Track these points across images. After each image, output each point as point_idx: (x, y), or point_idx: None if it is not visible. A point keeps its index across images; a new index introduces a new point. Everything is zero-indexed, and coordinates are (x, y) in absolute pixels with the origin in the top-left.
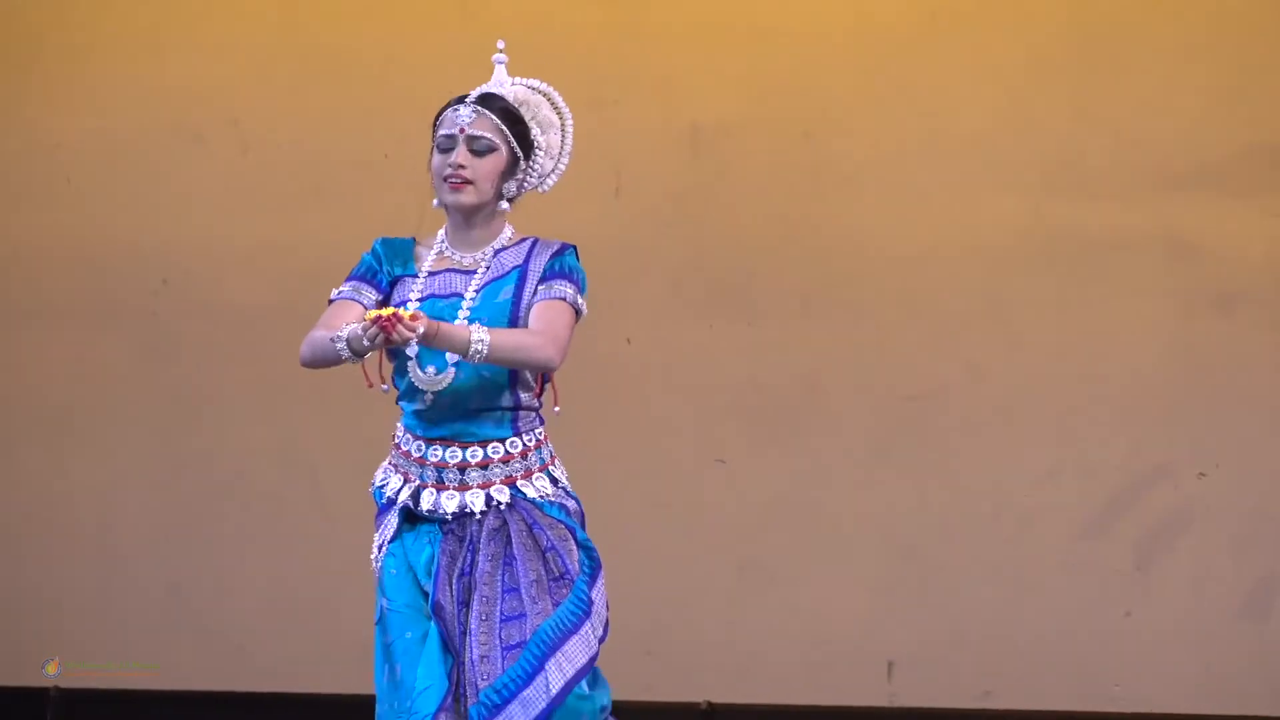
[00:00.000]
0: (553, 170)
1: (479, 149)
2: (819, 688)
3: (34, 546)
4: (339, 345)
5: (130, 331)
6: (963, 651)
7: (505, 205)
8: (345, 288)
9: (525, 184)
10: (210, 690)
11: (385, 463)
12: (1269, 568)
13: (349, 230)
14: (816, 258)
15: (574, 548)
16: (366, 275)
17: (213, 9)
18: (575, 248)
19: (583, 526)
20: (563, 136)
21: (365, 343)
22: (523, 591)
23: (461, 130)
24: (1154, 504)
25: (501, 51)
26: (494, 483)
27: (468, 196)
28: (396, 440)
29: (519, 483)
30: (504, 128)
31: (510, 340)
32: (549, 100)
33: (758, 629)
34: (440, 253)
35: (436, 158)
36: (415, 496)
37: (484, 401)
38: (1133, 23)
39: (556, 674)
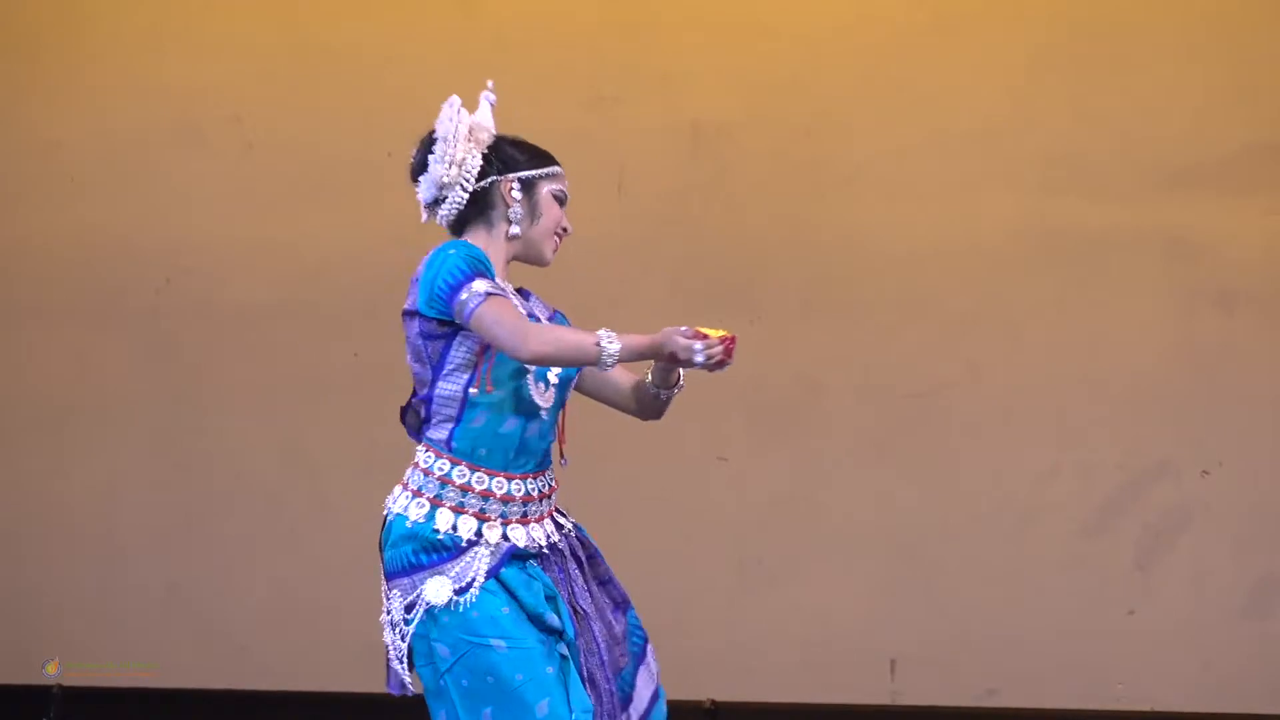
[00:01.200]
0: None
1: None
2: (822, 686)
3: (35, 546)
4: (607, 354)
5: (132, 330)
6: (965, 650)
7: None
8: (489, 283)
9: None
10: (211, 689)
11: (422, 500)
12: (1270, 566)
13: (352, 229)
14: (817, 256)
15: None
16: (492, 277)
17: (214, 7)
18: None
19: None
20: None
21: (698, 359)
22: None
23: (568, 197)
24: (1155, 502)
25: (490, 90)
26: (551, 511)
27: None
28: (447, 476)
29: (560, 515)
30: None
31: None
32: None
33: (760, 627)
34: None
35: (556, 210)
36: (504, 535)
37: (551, 433)
38: (1133, 22)
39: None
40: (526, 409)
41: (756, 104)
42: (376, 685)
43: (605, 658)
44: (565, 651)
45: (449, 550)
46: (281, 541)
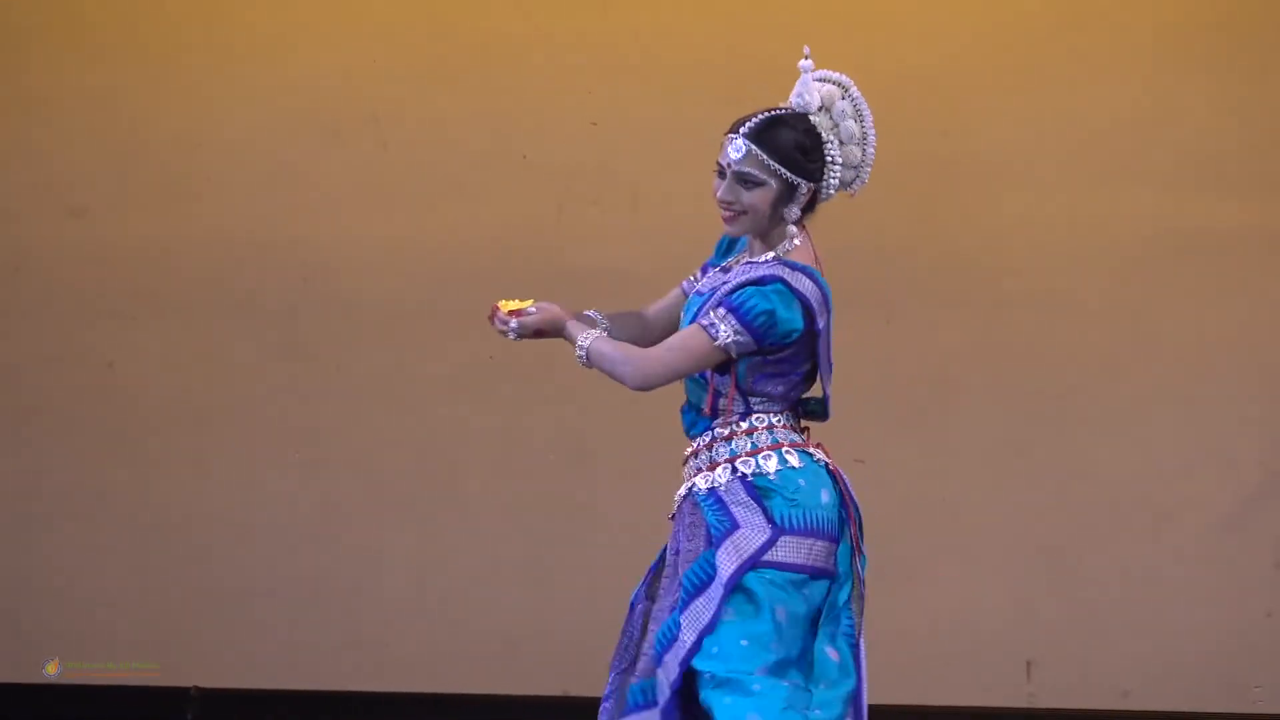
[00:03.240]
0: (855, 179)
1: (745, 182)
2: (957, 687)
3: (174, 545)
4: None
5: (270, 330)
6: (1102, 651)
7: (793, 230)
8: (693, 274)
9: (823, 196)
10: (348, 690)
11: None
12: None
13: (486, 228)
14: (952, 255)
15: (704, 544)
16: (704, 264)
17: (350, 7)
18: (780, 282)
19: (767, 517)
20: (864, 147)
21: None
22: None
23: (729, 166)
24: None
25: (808, 58)
26: (689, 478)
27: (737, 226)
28: None
29: (699, 477)
30: (772, 163)
31: (606, 351)
32: (854, 106)
33: (896, 628)
34: (738, 255)
35: (715, 179)
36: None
37: (695, 398)
38: (1271, 17)
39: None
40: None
41: (890, 102)
42: (513, 686)
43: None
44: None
45: None
46: (418, 541)
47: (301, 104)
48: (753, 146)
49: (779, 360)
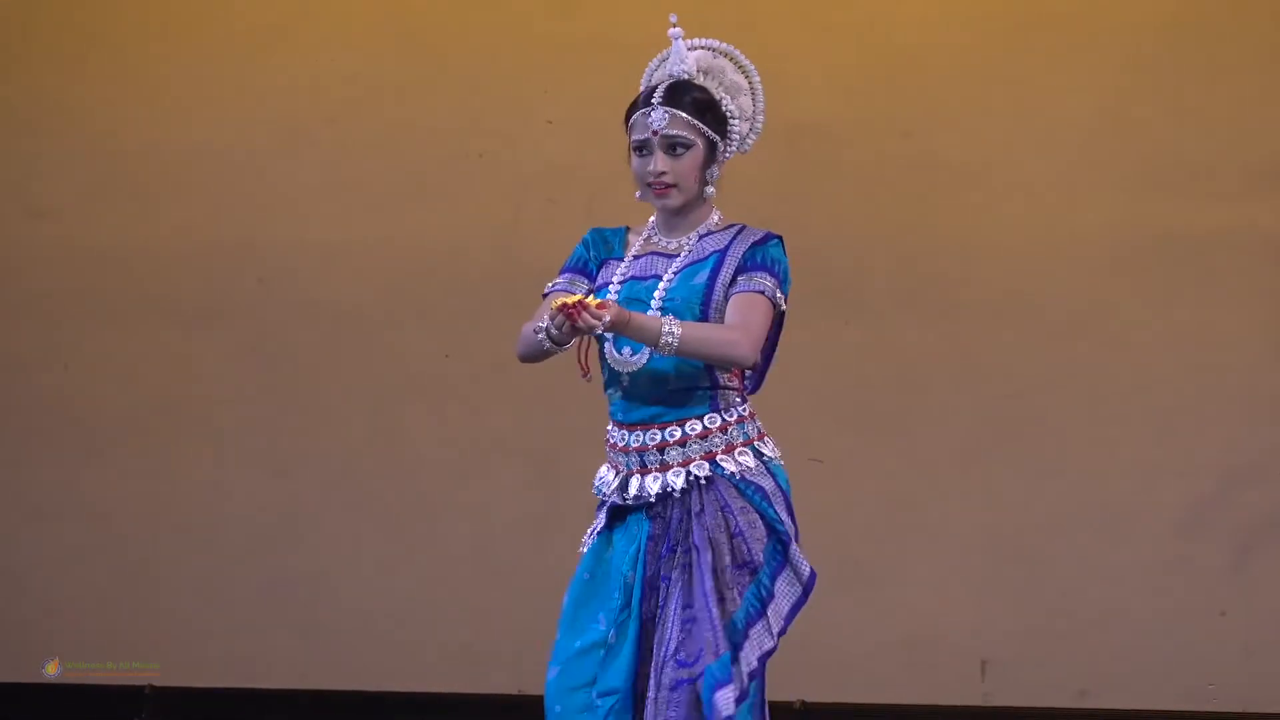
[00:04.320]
0: (750, 132)
1: (676, 150)
2: (913, 686)
3: (138, 545)
4: (540, 336)
5: (229, 331)
6: (1057, 650)
7: (711, 191)
8: (560, 280)
9: (725, 156)
10: (311, 689)
11: (605, 463)
12: None
13: (444, 228)
14: (917, 257)
15: (763, 534)
16: (578, 266)
17: (309, 11)
18: (781, 239)
19: (785, 505)
20: (753, 97)
21: (554, 331)
22: (706, 598)
23: (655, 133)
24: (1252, 504)
25: (676, 26)
26: (694, 459)
27: (674, 199)
28: (608, 434)
29: (719, 458)
30: (696, 121)
31: (702, 334)
32: (732, 61)
33: (852, 627)
34: (648, 238)
35: (635, 161)
36: (624, 486)
37: (682, 382)
38: (1238, 22)
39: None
40: (613, 372)
41: (853, 103)
42: (475, 685)
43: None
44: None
45: (598, 506)
46: (379, 541)
47: (260, 106)
48: (674, 110)
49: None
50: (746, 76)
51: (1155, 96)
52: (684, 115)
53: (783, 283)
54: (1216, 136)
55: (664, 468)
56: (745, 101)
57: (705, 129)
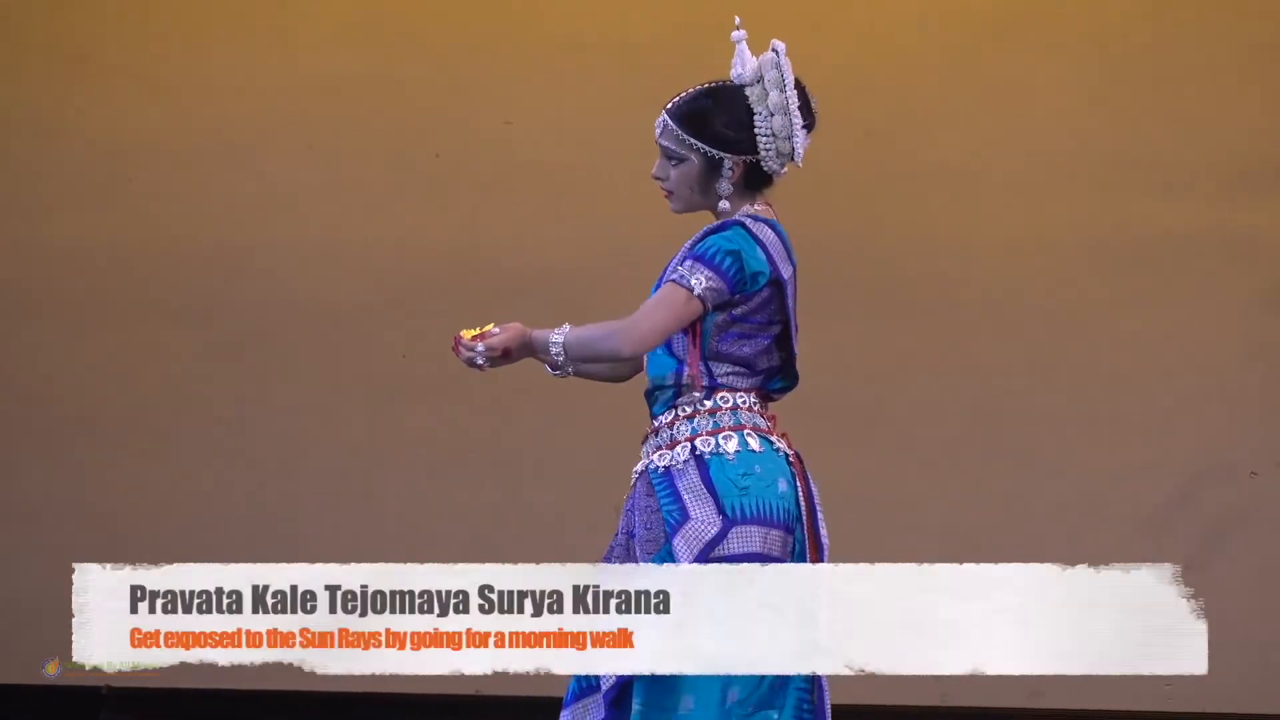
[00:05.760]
0: (791, 151)
1: (671, 159)
2: (871, 687)
3: (105, 546)
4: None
5: (193, 332)
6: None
7: (725, 205)
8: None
9: (767, 169)
10: (275, 690)
11: None
12: None
13: (402, 228)
14: (885, 257)
15: (659, 538)
16: None
17: (270, 8)
18: (740, 225)
19: (708, 503)
20: (789, 117)
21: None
22: None
23: (657, 140)
24: (1214, 502)
25: (740, 29)
26: (646, 456)
27: (674, 205)
28: None
29: (657, 454)
30: (687, 137)
31: (587, 334)
32: (779, 74)
33: None
34: None
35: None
36: None
37: (658, 380)
38: (1207, 23)
39: None
40: None
41: (825, 102)
42: (424, 685)
43: None
44: None
45: None
46: (346, 540)
47: (221, 106)
48: (669, 122)
49: (746, 318)
50: (783, 93)
51: (1131, 98)
52: (674, 128)
53: (711, 263)
54: (1193, 138)
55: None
56: (780, 121)
57: (699, 145)
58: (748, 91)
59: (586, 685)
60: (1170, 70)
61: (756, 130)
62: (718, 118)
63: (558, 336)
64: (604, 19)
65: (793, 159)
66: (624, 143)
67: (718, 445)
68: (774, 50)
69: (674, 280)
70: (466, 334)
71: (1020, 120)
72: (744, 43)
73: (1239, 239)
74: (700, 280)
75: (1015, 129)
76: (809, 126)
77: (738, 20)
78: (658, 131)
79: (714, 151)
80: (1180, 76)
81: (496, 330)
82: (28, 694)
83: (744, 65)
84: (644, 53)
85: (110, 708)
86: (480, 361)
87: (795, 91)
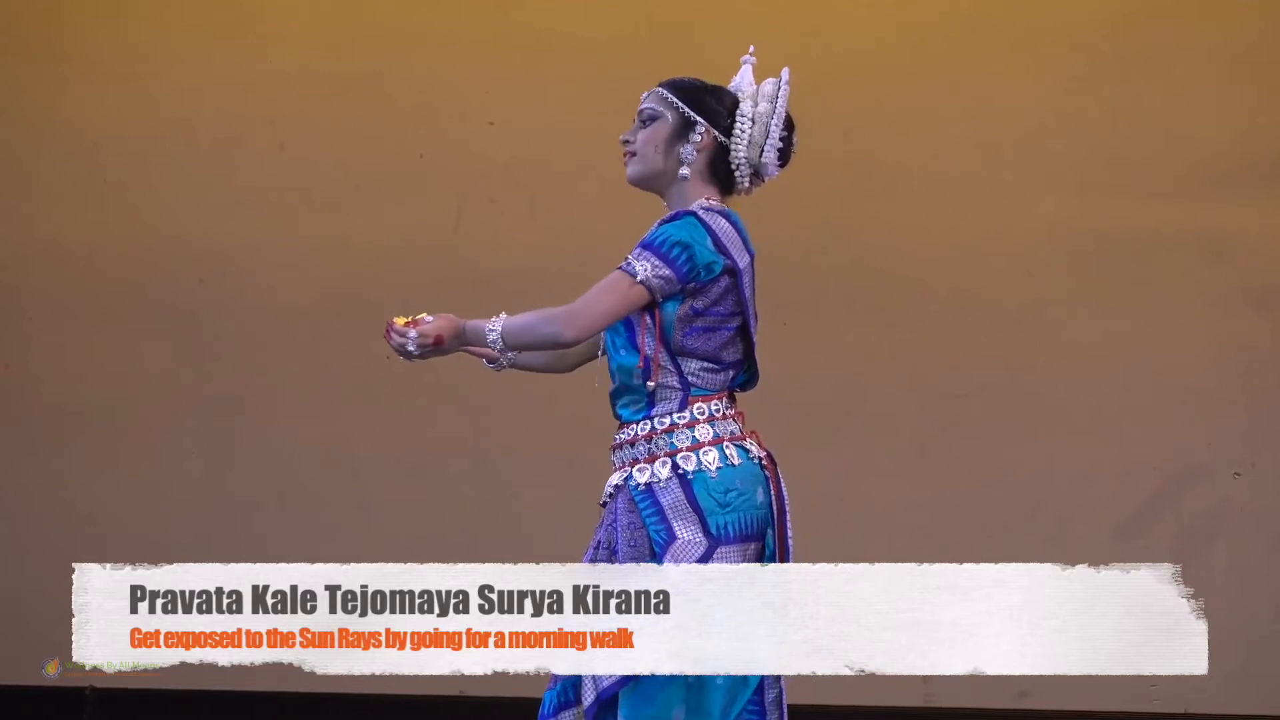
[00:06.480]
0: (758, 165)
1: (644, 119)
2: (856, 688)
3: (77, 547)
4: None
5: (169, 332)
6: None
7: (685, 173)
8: None
9: (734, 159)
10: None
11: None
12: None
13: (385, 229)
14: (857, 258)
15: (645, 554)
16: None
17: (249, 10)
18: (692, 215)
19: (693, 521)
20: (767, 135)
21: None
22: None
23: (640, 108)
24: (1192, 503)
25: (752, 55)
26: (622, 466)
27: (631, 167)
28: None
29: (636, 468)
30: (670, 96)
31: (526, 320)
32: (775, 89)
33: None
34: None
35: None
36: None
37: (623, 381)
38: (1176, 24)
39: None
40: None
41: (792, 102)
42: (409, 687)
43: None
44: None
45: None
46: (322, 542)
47: (198, 106)
48: (658, 88)
49: (709, 310)
50: (773, 105)
51: (1096, 97)
52: (660, 90)
53: (657, 251)
54: (1157, 137)
55: (613, 470)
56: (759, 133)
57: (678, 103)
58: (741, 96)
59: (564, 701)
60: (1144, 71)
61: (737, 120)
62: (706, 95)
63: (495, 323)
64: (587, 21)
65: (758, 175)
66: (607, 145)
67: (699, 462)
68: (781, 76)
69: (620, 267)
70: (399, 321)
71: (994, 121)
72: (750, 65)
73: (1215, 239)
74: (645, 267)
75: (978, 130)
76: (783, 162)
77: (751, 49)
78: (642, 100)
79: (691, 113)
80: (1154, 77)
81: (429, 319)
82: (28, 694)
83: (744, 80)
84: (628, 55)
85: (94, 708)
86: (411, 348)
87: (783, 118)
